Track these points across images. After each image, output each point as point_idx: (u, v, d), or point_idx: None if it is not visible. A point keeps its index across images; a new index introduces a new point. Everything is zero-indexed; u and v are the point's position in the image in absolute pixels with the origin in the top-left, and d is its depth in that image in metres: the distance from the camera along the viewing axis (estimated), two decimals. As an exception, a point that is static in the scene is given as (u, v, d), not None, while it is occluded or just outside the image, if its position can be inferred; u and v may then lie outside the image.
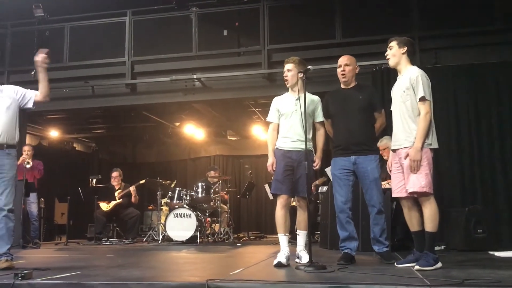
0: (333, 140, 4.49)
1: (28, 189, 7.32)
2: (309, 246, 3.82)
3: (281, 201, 4.12)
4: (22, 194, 6.85)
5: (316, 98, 4.32)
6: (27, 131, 9.48)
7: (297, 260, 4.09)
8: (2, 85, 4.29)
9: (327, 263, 3.80)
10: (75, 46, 8.38)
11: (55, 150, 11.15)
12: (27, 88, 4.40)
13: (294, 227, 4.88)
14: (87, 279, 3.15)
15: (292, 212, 4.35)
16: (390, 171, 4.02)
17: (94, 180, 9.18)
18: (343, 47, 7.13)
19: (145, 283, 2.98)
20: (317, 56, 7.24)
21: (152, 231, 8.65)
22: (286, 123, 4.20)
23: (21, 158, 7.25)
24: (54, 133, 11.05)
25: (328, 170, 6.06)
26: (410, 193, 3.73)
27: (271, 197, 7.89)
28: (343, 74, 4.39)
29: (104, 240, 8.39)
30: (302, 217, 4.18)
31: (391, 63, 4.00)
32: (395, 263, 3.96)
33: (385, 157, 5.67)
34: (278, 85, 6.85)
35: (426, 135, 3.70)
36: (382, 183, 5.10)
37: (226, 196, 8.71)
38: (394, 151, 3.95)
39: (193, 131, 11.45)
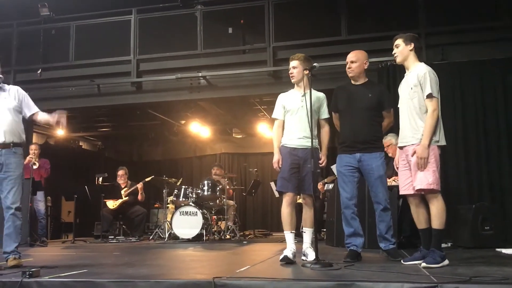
0: (339, 135, 4.47)
1: (35, 188, 7.35)
2: (315, 244, 3.82)
3: (287, 199, 4.12)
4: (29, 193, 6.89)
5: (321, 95, 4.30)
6: (34, 130, 9.53)
7: (303, 258, 4.08)
8: (8, 85, 4.30)
9: (333, 260, 3.80)
10: (80, 45, 8.40)
11: (62, 149, 11.20)
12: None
13: (300, 225, 4.87)
14: (94, 277, 3.16)
15: (298, 210, 4.34)
16: (397, 168, 4.01)
17: (101, 179, 9.20)
18: (348, 44, 7.09)
19: (152, 280, 2.99)
20: (323, 53, 7.22)
21: (158, 229, 8.67)
22: (292, 119, 4.19)
23: (27, 158, 7.29)
24: (60, 132, 11.08)
25: (334, 167, 6.05)
26: (417, 190, 3.71)
27: (277, 194, 7.89)
28: (349, 70, 4.36)
29: (110, 238, 8.43)
30: (308, 214, 4.17)
31: (399, 60, 3.97)
32: (401, 261, 3.95)
33: (389, 154, 5.65)
34: (284, 83, 6.84)
35: (434, 132, 3.68)
36: (388, 180, 5.08)
37: (231, 191, 8.71)
38: (401, 148, 3.93)
39: (199, 129, 11.46)
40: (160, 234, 8.50)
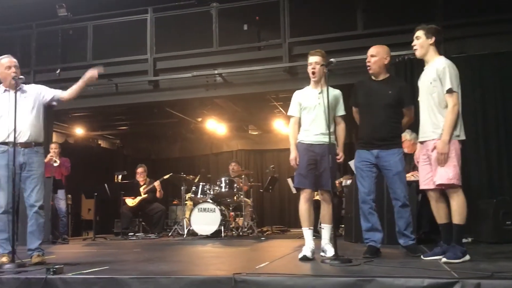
0: (359, 130, 4.44)
1: (56, 186, 7.48)
2: (334, 240, 3.81)
3: (304, 195, 4.11)
4: (50, 191, 7.00)
5: (338, 92, 4.27)
6: (54, 129, 9.68)
7: (322, 254, 4.08)
8: (27, 85, 4.36)
9: (352, 256, 3.78)
10: (98, 44, 8.50)
11: (81, 147, 11.36)
12: (52, 86, 4.51)
13: (318, 222, 4.86)
14: (116, 274, 3.21)
15: (315, 206, 4.33)
16: (417, 162, 3.97)
17: (120, 176, 9.33)
18: (365, 38, 7.04)
19: (173, 277, 3.02)
20: (339, 48, 7.16)
21: (177, 226, 8.75)
22: (308, 117, 4.17)
23: (48, 157, 7.41)
24: (79, 131, 11.25)
25: (351, 163, 6.02)
26: (438, 185, 3.67)
27: (294, 191, 7.88)
28: (368, 66, 4.32)
29: (130, 235, 8.52)
30: (326, 210, 4.16)
31: (418, 54, 3.89)
32: (421, 256, 3.92)
33: (405, 150, 5.60)
34: (300, 79, 6.81)
35: (454, 127, 3.62)
36: (407, 175, 5.04)
37: (245, 188, 8.71)
38: (421, 143, 3.89)
39: (215, 126, 11.51)
40: (179, 230, 8.57)
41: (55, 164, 7.58)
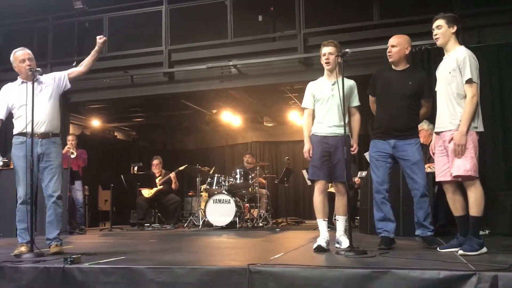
0: (375, 120, 4.41)
1: (73, 177, 7.58)
2: (349, 231, 3.79)
3: (318, 187, 4.10)
4: (68, 182, 7.10)
5: (352, 82, 4.23)
6: (70, 121, 9.79)
7: (337, 245, 4.07)
8: (42, 76, 4.38)
9: (367, 247, 3.77)
10: (113, 36, 8.52)
11: (97, 139, 11.49)
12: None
13: (333, 214, 4.84)
14: (133, 264, 3.25)
15: (329, 198, 4.32)
16: (433, 154, 3.92)
17: (136, 168, 9.41)
18: (381, 29, 6.96)
19: (189, 267, 3.04)
20: (354, 38, 7.09)
21: (192, 217, 8.82)
22: (322, 108, 4.14)
23: (65, 148, 7.50)
24: (95, 123, 11.37)
25: (367, 154, 5.98)
26: (455, 176, 3.61)
27: (309, 182, 7.87)
28: (389, 55, 4.26)
29: (146, 225, 8.62)
30: (340, 202, 4.14)
31: (439, 42, 3.79)
32: (438, 248, 3.89)
33: (420, 140, 5.53)
34: (315, 70, 6.77)
35: (472, 119, 3.56)
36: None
37: (263, 181, 8.77)
38: (438, 133, 3.83)
39: (230, 118, 11.53)
40: (194, 221, 8.64)
41: (72, 156, 7.68)
